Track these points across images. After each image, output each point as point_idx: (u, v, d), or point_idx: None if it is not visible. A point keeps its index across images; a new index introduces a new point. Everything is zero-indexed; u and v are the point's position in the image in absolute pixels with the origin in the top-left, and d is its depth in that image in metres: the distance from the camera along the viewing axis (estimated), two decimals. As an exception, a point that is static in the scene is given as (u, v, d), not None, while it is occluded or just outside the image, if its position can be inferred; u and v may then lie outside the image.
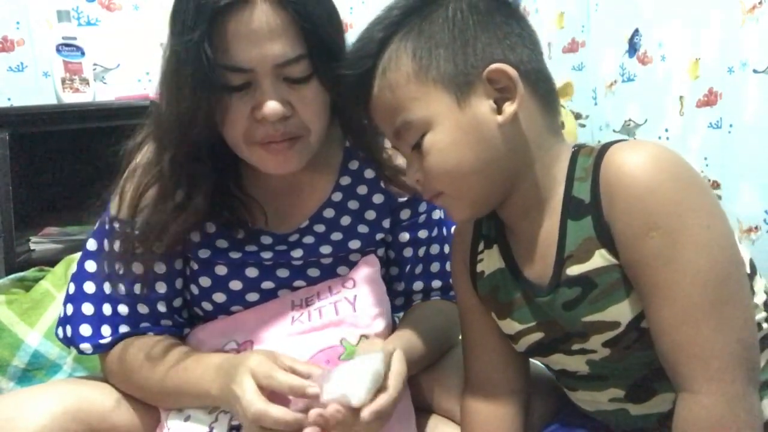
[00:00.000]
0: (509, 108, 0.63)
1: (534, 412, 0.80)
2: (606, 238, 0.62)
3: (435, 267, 0.94)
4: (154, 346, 0.82)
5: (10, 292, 1.32)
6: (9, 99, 1.80)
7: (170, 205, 0.80)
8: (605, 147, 0.64)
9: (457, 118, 0.63)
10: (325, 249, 0.88)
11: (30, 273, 1.39)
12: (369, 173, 0.91)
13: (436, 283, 0.94)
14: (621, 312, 0.63)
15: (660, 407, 0.67)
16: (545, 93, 0.67)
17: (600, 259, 0.63)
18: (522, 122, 0.65)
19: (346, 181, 0.91)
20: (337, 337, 0.82)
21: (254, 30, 0.71)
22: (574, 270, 0.64)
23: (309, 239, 0.88)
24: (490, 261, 0.75)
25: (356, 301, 0.85)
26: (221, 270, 0.86)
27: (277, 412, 0.67)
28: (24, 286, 1.35)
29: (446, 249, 0.94)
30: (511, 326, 0.73)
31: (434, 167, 0.65)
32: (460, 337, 0.82)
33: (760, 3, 1.27)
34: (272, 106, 0.74)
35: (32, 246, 1.67)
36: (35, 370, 1.24)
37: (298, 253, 0.87)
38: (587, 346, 0.67)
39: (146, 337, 0.84)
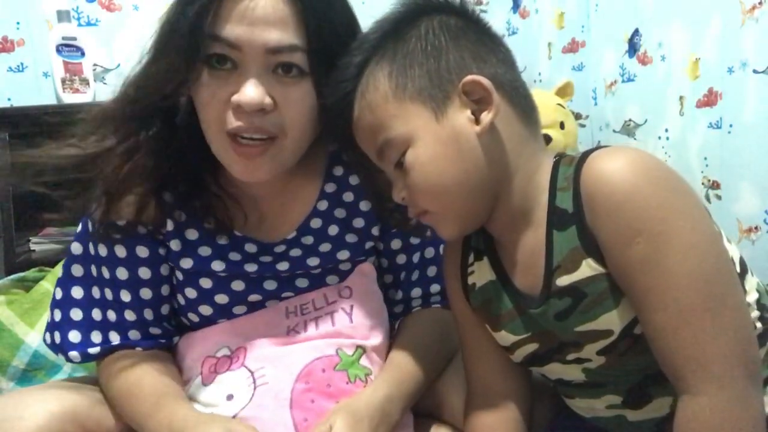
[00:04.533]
0: (486, 117, 0.64)
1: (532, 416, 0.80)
2: (591, 247, 0.62)
3: (432, 271, 0.91)
4: (131, 373, 0.79)
5: (10, 292, 1.32)
6: (9, 99, 1.80)
7: (121, 149, 0.76)
8: (584, 156, 0.64)
9: (436, 132, 0.64)
10: (313, 261, 0.85)
11: (30, 273, 1.39)
12: (354, 179, 0.87)
13: (435, 288, 0.91)
14: (612, 320, 0.63)
15: (657, 412, 0.67)
16: (522, 103, 0.68)
17: (587, 268, 0.63)
18: (500, 132, 0.65)
19: (331, 188, 0.87)
20: (334, 346, 0.80)
21: (254, 8, 0.69)
22: (563, 281, 0.64)
23: (296, 252, 0.85)
24: (481, 273, 0.75)
25: (353, 312, 0.83)
26: (206, 283, 0.84)
27: None
28: (24, 287, 1.35)
29: (442, 250, 0.89)
30: (505, 338, 0.73)
31: (417, 182, 0.66)
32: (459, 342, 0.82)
33: (760, 3, 1.27)
34: (251, 92, 0.69)
35: (32, 246, 1.67)
36: (35, 371, 1.25)
37: (284, 266, 0.84)
38: (582, 355, 0.66)
39: (130, 358, 0.81)
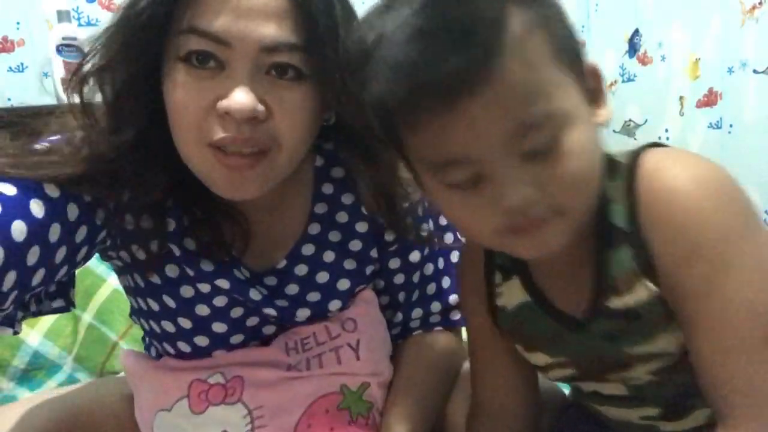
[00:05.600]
0: (605, 111, 0.54)
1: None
2: (648, 267, 0.56)
3: (431, 288, 0.82)
4: None
5: (10, 292, 1.32)
6: (9, 99, 1.80)
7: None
8: (634, 162, 0.56)
9: (588, 114, 0.52)
10: (313, 296, 0.76)
11: (30, 273, 1.39)
12: (347, 198, 0.76)
13: (435, 306, 0.82)
14: (669, 341, 0.58)
15: (693, 423, 0.64)
16: None
17: (644, 290, 0.57)
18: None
19: (322, 209, 0.76)
20: (338, 383, 0.76)
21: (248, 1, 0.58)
22: (614, 302, 0.58)
23: (293, 288, 0.75)
24: (512, 294, 0.67)
25: (359, 347, 0.77)
26: (203, 310, 0.74)
27: None
28: (24, 286, 1.35)
29: (440, 264, 0.82)
30: (541, 359, 0.67)
31: (570, 172, 0.50)
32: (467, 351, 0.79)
33: (760, 3, 1.27)
34: (242, 98, 0.58)
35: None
36: (35, 370, 1.25)
37: (283, 303, 0.75)
38: (629, 374, 0.62)
39: None
